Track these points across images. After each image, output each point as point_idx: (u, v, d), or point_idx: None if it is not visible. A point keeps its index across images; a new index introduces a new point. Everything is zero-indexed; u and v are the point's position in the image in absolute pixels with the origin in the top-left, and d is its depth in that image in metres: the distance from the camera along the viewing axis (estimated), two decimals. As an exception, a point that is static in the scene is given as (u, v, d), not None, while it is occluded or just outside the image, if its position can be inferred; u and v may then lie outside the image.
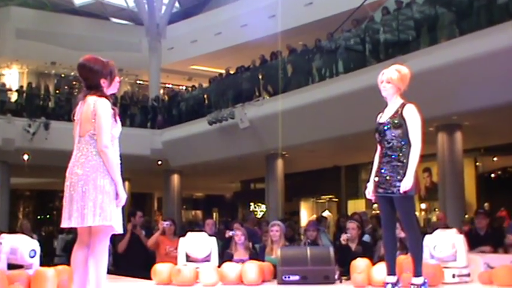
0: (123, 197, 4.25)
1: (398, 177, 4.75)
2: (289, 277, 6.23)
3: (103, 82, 4.34)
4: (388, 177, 4.82)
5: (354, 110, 13.27)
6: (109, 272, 4.48)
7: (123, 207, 4.33)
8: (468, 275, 6.18)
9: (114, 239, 8.38)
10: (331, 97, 14.39)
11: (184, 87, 26.53)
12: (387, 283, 4.93)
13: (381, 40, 14.24)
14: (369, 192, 4.99)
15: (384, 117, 4.97)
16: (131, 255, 8.62)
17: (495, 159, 19.91)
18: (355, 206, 20.95)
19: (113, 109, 4.30)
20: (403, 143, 4.83)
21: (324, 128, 15.08)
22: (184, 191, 26.02)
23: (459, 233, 6.47)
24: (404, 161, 4.79)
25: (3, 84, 23.17)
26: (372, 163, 5.09)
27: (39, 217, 31.20)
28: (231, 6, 24.34)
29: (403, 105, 4.90)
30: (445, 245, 6.17)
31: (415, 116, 4.86)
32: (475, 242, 7.73)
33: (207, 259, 6.74)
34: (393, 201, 4.82)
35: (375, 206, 15.13)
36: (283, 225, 8.10)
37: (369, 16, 15.18)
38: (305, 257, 6.33)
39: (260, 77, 18.29)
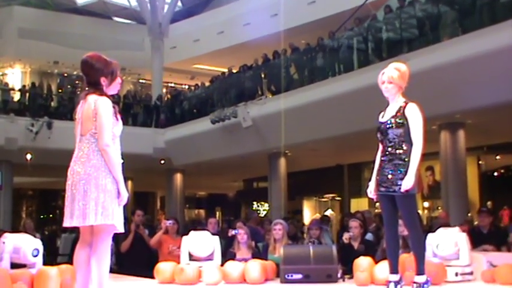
0: (125, 195, 4.26)
1: (400, 176, 4.75)
2: (292, 276, 6.23)
3: (103, 81, 4.35)
4: (389, 176, 4.82)
5: (357, 109, 13.26)
6: (112, 271, 4.48)
7: (125, 206, 4.33)
8: (471, 273, 6.18)
9: (117, 238, 8.39)
10: (333, 96, 14.38)
11: (187, 86, 26.53)
12: (390, 281, 4.93)
13: (384, 39, 14.22)
14: (371, 191, 4.99)
15: (386, 117, 4.97)
16: (134, 254, 8.62)
17: (498, 157, 19.91)
18: (358, 204, 20.95)
19: (113, 107, 4.30)
20: (405, 142, 4.83)
21: (326, 127, 15.07)
22: (187, 190, 26.03)
23: (462, 232, 6.47)
24: (406, 159, 4.79)
25: (6, 84, 23.26)
26: (374, 162, 5.09)
27: (42, 216, 31.24)
28: (233, 5, 24.33)
29: (405, 104, 4.90)
30: (447, 243, 6.17)
31: (417, 115, 4.86)
32: (477, 241, 7.72)
33: (209, 258, 6.74)
34: (395, 199, 4.82)
35: (378, 204, 15.13)
36: (286, 224, 8.10)
37: (371, 15, 15.16)
38: (308, 256, 6.33)
39: (263, 75, 18.28)
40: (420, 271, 4.81)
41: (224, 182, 29.22)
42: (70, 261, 4.91)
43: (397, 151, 4.83)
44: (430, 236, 6.33)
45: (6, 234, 5.81)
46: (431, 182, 20.33)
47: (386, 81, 4.95)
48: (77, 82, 26.88)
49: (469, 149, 15.13)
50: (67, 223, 4.20)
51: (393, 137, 4.85)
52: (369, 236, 8.54)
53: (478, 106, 12.04)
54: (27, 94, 21.57)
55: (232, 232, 8.26)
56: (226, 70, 20.75)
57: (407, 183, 4.69)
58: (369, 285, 5.97)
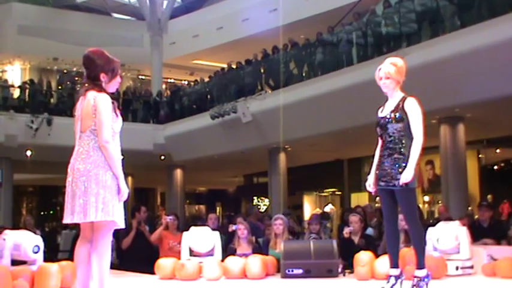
0: (125, 191, 4.26)
1: (400, 170, 4.76)
2: (292, 271, 6.25)
3: (103, 77, 4.35)
4: (389, 170, 4.83)
5: (356, 103, 13.26)
6: (112, 267, 4.49)
7: (125, 202, 4.33)
8: (471, 267, 6.19)
9: (118, 235, 8.40)
10: (333, 90, 14.38)
11: (186, 82, 26.51)
12: (390, 276, 4.93)
13: (383, 33, 14.21)
14: (370, 184, 5.00)
15: (385, 111, 4.97)
16: (135, 251, 8.63)
17: (498, 151, 19.91)
18: (358, 199, 20.96)
19: (113, 103, 4.31)
20: (404, 136, 4.83)
21: (326, 122, 15.07)
22: (187, 186, 26.04)
23: (462, 225, 6.48)
24: (406, 153, 4.79)
25: (6, 81, 23.20)
26: (374, 156, 5.09)
27: (42, 213, 31.25)
28: (232, 0, 24.29)
29: (404, 99, 4.91)
30: (448, 237, 6.19)
31: (417, 109, 4.86)
32: (478, 234, 7.73)
33: (210, 253, 6.76)
34: (395, 194, 4.83)
35: (378, 198, 15.14)
36: (286, 219, 8.11)
37: (370, 9, 15.13)
38: (308, 251, 6.35)
39: (262, 71, 18.27)
40: (420, 265, 4.82)
41: (224, 177, 29.24)
42: (70, 258, 4.91)
43: (397, 145, 4.83)
44: (430, 230, 6.35)
45: (7, 231, 5.83)
46: (431, 176, 20.34)
47: (383, 77, 4.95)
48: (76, 79, 26.83)
49: (469, 142, 15.14)
50: (68, 220, 4.20)
51: (393, 132, 4.85)
52: (370, 231, 8.55)
53: (478, 100, 12.03)
54: (27, 91, 21.52)
55: (232, 227, 8.27)
56: (225, 66, 20.74)
57: (407, 176, 4.69)
58: (369, 279, 5.99)
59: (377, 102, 5.12)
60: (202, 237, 6.80)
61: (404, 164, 4.76)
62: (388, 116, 4.90)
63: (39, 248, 5.65)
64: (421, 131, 4.80)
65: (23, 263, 5.63)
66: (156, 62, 25.40)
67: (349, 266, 6.53)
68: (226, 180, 30.28)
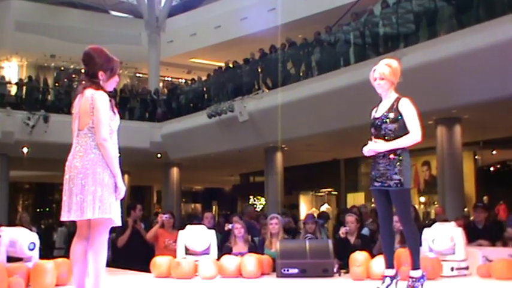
0: (123, 189, 4.26)
1: (395, 171, 4.77)
2: (288, 270, 6.26)
3: (101, 75, 4.35)
4: (384, 171, 4.84)
5: (353, 104, 13.26)
6: (108, 265, 4.49)
7: (122, 200, 4.33)
8: (467, 268, 6.21)
9: (114, 233, 8.40)
10: (330, 90, 14.38)
11: (183, 81, 26.52)
12: (386, 276, 4.94)
13: (380, 33, 14.22)
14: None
15: (379, 112, 4.99)
16: (131, 249, 8.63)
17: (494, 152, 19.94)
18: (355, 199, 20.99)
19: (110, 101, 4.31)
20: (399, 137, 4.84)
21: (323, 121, 15.08)
22: (184, 184, 26.04)
23: (457, 226, 6.50)
24: (401, 154, 4.81)
25: (3, 77, 23.13)
26: (371, 156, 5.10)
27: (38, 210, 31.24)
28: (230, -1, 24.32)
29: (398, 100, 4.93)
30: (443, 238, 6.20)
31: (411, 108, 4.89)
32: (473, 235, 7.74)
33: (206, 252, 6.76)
34: (389, 194, 4.84)
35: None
36: (282, 219, 8.11)
37: (368, 9, 15.14)
38: (304, 250, 6.36)
39: (259, 70, 18.27)
40: (416, 266, 4.82)
41: (220, 176, 29.24)
42: (66, 255, 4.91)
43: None
44: (426, 230, 6.36)
45: (3, 228, 5.82)
46: (428, 177, 20.37)
47: (378, 77, 4.98)
48: (73, 76, 26.83)
49: (466, 144, 15.16)
50: (64, 217, 4.20)
51: (388, 132, 4.86)
52: (365, 231, 8.56)
53: (475, 101, 12.04)
54: (24, 87, 21.51)
55: (228, 226, 8.27)
56: (223, 64, 20.74)
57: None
58: (364, 279, 6.00)
59: (374, 103, 5.14)
60: (198, 236, 6.81)
61: (399, 165, 4.78)
62: (383, 117, 4.92)
63: (35, 245, 5.65)
64: (418, 128, 4.83)
65: (19, 259, 5.62)
66: (154, 60, 25.37)
67: (344, 266, 6.54)
68: (223, 179, 30.29)
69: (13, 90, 21.55)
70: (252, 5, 22.33)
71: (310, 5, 20.23)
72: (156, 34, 25.30)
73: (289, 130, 15.66)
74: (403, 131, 4.84)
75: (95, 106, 4.22)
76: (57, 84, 24.80)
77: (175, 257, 6.67)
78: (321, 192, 26.54)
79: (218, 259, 6.61)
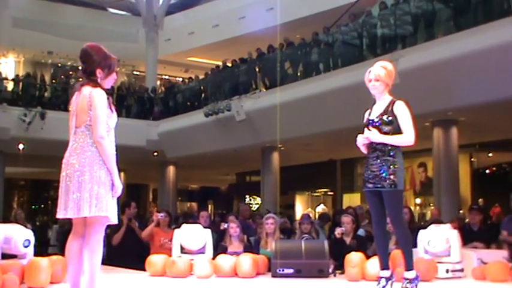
0: (119, 187, 4.26)
1: (389, 172, 4.79)
2: (283, 270, 6.25)
3: (99, 72, 4.34)
4: (377, 172, 4.85)
5: (350, 104, 13.23)
6: (103, 263, 4.48)
7: (118, 198, 4.33)
8: (461, 270, 6.21)
9: (109, 231, 8.39)
10: (327, 91, 14.39)
11: (181, 79, 26.49)
12: (381, 277, 4.95)
13: (378, 35, 14.23)
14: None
15: (373, 114, 5.01)
16: (125, 247, 8.62)
17: (490, 155, 19.98)
18: (351, 199, 21.00)
19: (107, 99, 4.30)
20: None
21: (320, 122, 15.09)
22: (180, 183, 26.03)
23: (453, 228, 6.50)
24: (395, 155, 4.82)
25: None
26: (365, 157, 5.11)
27: (33, 207, 31.17)
28: (228, -2, 24.29)
29: (393, 102, 4.94)
30: (439, 240, 6.20)
31: (406, 111, 4.90)
32: (468, 238, 7.75)
33: (201, 251, 6.75)
34: (382, 195, 4.85)
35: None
36: (278, 218, 8.11)
37: (366, 11, 15.15)
38: (299, 251, 6.36)
39: (257, 69, 18.27)
40: (409, 267, 4.83)
41: (217, 175, 29.23)
42: (61, 253, 4.90)
43: (386, 148, 4.86)
44: (421, 232, 6.37)
45: (-2, 225, 5.80)
46: (424, 179, 20.40)
47: (373, 79, 5.01)
48: (70, 73, 26.81)
49: (462, 146, 15.18)
50: (61, 214, 4.19)
51: (383, 134, 4.87)
52: (361, 232, 8.56)
53: (471, 103, 12.07)
54: (21, 84, 21.47)
55: (224, 225, 8.27)
56: (220, 63, 20.73)
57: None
58: (360, 280, 6.00)
59: (371, 104, 5.15)
60: (194, 235, 6.80)
61: (392, 166, 4.79)
62: (377, 119, 4.94)
63: (29, 242, 5.63)
64: (412, 130, 4.84)
65: (13, 256, 5.61)
66: (151, 58, 25.36)
67: (340, 267, 6.54)
68: (219, 178, 30.28)
69: (10, 86, 21.49)
70: (250, 4, 22.32)
71: (309, 5, 20.24)
72: (153, 32, 25.29)
73: (286, 130, 15.64)
74: (396, 133, 4.86)
75: (93, 104, 4.21)
76: (54, 81, 24.76)
77: (170, 255, 6.67)
78: (317, 192, 26.57)
79: (213, 258, 6.60)
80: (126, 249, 8.52)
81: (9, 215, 17.56)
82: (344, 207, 16.04)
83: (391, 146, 4.85)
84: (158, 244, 8.43)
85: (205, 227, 7.14)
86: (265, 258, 6.75)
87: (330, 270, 6.44)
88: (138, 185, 30.46)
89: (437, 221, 9.18)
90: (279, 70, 16.94)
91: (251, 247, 7.61)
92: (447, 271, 6.09)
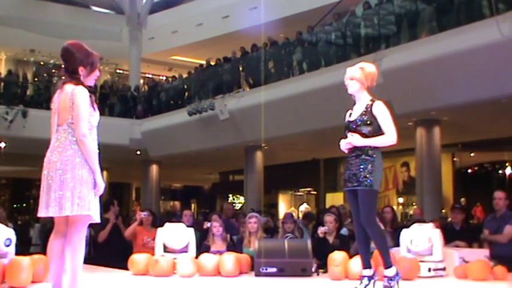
0: (102, 186, 4.23)
1: (366, 171, 4.80)
2: (266, 269, 6.25)
3: (81, 70, 4.32)
4: (356, 172, 4.86)
5: (334, 104, 13.19)
6: (86, 262, 4.45)
7: (100, 197, 4.31)
8: (444, 269, 6.25)
9: (94, 228, 8.36)
10: (311, 90, 14.41)
11: (164, 78, 26.41)
12: (363, 276, 4.96)
13: (362, 34, 14.26)
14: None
15: (353, 115, 5.02)
16: (111, 245, 8.61)
17: (472, 155, 20.14)
18: (334, 199, 21.05)
19: (90, 97, 4.27)
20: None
21: (303, 121, 15.11)
22: (163, 182, 25.97)
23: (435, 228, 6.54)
24: (374, 155, 4.83)
25: (-19, 71, 22.93)
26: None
27: (15, 205, 30.95)
28: (213, -3, 24.23)
29: (372, 103, 4.95)
30: (421, 239, 6.23)
31: (385, 111, 4.91)
32: (450, 237, 7.80)
33: (184, 250, 6.74)
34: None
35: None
36: (261, 218, 8.10)
37: (350, 10, 15.19)
38: (283, 250, 6.36)
39: (241, 69, 18.26)
40: (387, 264, 4.83)
41: (200, 174, 29.21)
42: (43, 252, 4.86)
43: (365, 147, 4.87)
44: (404, 231, 6.40)
45: (-21, 223, 5.75)
46: (406, 178, 20.51)
47: (348, 78, 5.02)
48: (53, 71, 26.63)
49: (444, 145, 15.29)
50: (42, 213, 4.16)
51: (362, 136, 4.88)
52: (344, 231, 8.58)
53: (454, 104, 12.14)
54: (3, 82, 21.29)
55: (207, 224, 8.26)
56: (204, 62, 20.70)
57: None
58: (343, 279, 6.01)
59: (353, 104, 5.16)
60: (177, 234, 6.78)
61: (370, 166, 4.81)
62: (357, 120, 4.95)
63: (11, 241, 5.59)
64: (393, 130, 4.85)
65: (-5, 256, 5.56)
66: (135, 56, 25.27)
67: (323, 266, 6.55)
68: (202, 177, 30.25)
69: (-9, 84, 21.32)
70: (234, 3, 22.29)
71: (293, 4, 20.23)
72: (137, 31, 25.22)
73: (269, 129, 15.65)
74: (376, 133, 4.87)
75: (75, 102, 4.18)
76: (36, 79, 24.57)
77: (153, 254, 6.64)
78: (300, 191, 26.62)
79: (196, 257, 6.59)
80: (111, 248, 8.51)
81: (-9, 213, 17.38)
82: (327, 206, 16.04)
83: (371, 148, 4.86)
84: (141, 243, 8.42)
85: (188, 226, 7.12)
86: (248, 257, 6.75)
87: (313, 269, 6.45)
88: (121, 184, 30.36)
89: (420, 220, 9.24)
90: (263, 69, 16.96)
91: (234, 246, 7.61)
92: (429, 270, 6.12)
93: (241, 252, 7.07)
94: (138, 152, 21.64)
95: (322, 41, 15.33)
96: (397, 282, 4.83)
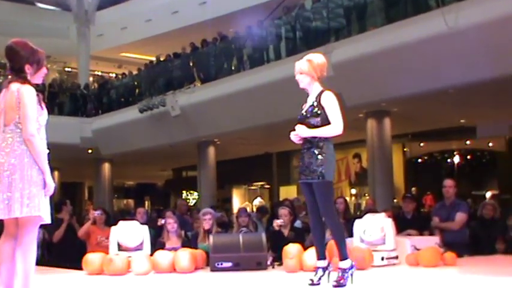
0: (52, 186, 4.17)
1: (317, 163, 4.84)
2: (221, 264, 6.27)
3: (27, 68, 4.24)
4: (308, 164, 4.90)
5: (285, 97, 13.31)
6: (41, 264, 4.38)
7: (51, 197, 4.24)
8: (396, 257, 6.36)
9: (47, 229, 8.24)
10: (262, 84, 14.44)
11: (114, 75, 26.12)
12: (318, 268, 5.00)
13: (311, 28, 14.34)
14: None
15: (305, 107, 5.07)
16: (66, 245, 8.52)
17: (422, 144, 20.51)
18: (287, 192, 21.18)
19: (37, 96, 4.20)
20: None
21: (255, 115, 15.14)
22: (116, 180, 25.73)
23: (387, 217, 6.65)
24: (324, 146, 4.87)
25: None
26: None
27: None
28: (161, -8, 24.03)
29: (320, 94, 4.99)
30: (374, 229, 6.33)
31: (332, 101, 4.95)
32: (402, 226, 7.93)
33: (139, 248, 6.70)
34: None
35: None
36: (215, 213, 8.10)
37: (299, 4, 15.25)
38: (237, 244, 6.38)
39: (191, 64, 18.18)
40: (343, 256, 4.88)
41: (153, 171, 29.02)
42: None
43: (314, 139, 4.91)
44: (357, 222, 6.48)
45: None
46: (359, 169, 20.76)
47: (297, 72, 5.06)
48: (-1, 70, 26.05)
49: (395, 136, 15.51)
50: (-10, 215, 4.08)
51: (311, 127, 4.92)
52: (298, 224, 8.65)
53: (403, 95, 12.32)
54: None
55: (161, 221, 8.23)
56: (154, 58, 20.55)
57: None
58: (298, 271, 6.06)
59: (306, 96, 5.19)
60: (131, 232, 6.74)
61: (321, 157, 4.85)
62: (307, 112, 4.99)
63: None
64: (339, 120, 4.89)
65: None
66: (83, 54, 24.90)
67: (278, 259, 6.59)
68: (155, 174, 30.07)
69: None
70: (183, -2, 22.17)
71: (242, -2, 20.23)
72: (85, 27, 24.81)
73: (221, 124, 15.67)
74: (325, 124, 4.91)
75: (22, 101, 4.11)
76: (-19, 79, 24.02)
77: (107, 253, 6.59)
78: (254, 185, 26.70)
79: (151, 255, 6.56)
80: (67, 247, 8.44)
81: None
82: (281, 199, 16.14)
83: (321, 139, 4.90)
84: (95, 242, 8.34)
85: (142, 224, 7.09)
86: (203, 253, 6.75)
87: (269, 262, 6.48)
88: (73, 183, 29.91)
89: (372, 210, 9.37)
90: (213, 64, 16.93)
91: (189, 242, 7.59)
92: (382, 259, 6.22)
93: (196, 248, 7.07)
94: (90, 151, 21.39)
95: (272, 34, 15.36)
96: (351, 275, 4.88)
